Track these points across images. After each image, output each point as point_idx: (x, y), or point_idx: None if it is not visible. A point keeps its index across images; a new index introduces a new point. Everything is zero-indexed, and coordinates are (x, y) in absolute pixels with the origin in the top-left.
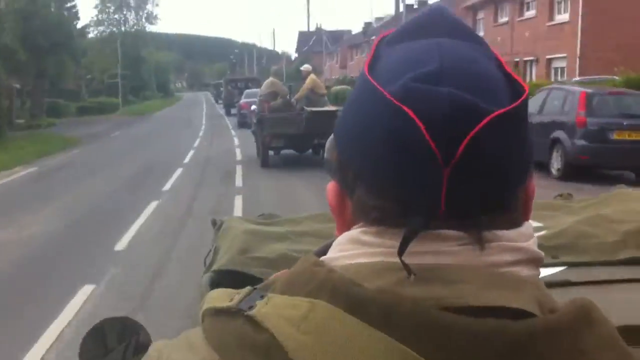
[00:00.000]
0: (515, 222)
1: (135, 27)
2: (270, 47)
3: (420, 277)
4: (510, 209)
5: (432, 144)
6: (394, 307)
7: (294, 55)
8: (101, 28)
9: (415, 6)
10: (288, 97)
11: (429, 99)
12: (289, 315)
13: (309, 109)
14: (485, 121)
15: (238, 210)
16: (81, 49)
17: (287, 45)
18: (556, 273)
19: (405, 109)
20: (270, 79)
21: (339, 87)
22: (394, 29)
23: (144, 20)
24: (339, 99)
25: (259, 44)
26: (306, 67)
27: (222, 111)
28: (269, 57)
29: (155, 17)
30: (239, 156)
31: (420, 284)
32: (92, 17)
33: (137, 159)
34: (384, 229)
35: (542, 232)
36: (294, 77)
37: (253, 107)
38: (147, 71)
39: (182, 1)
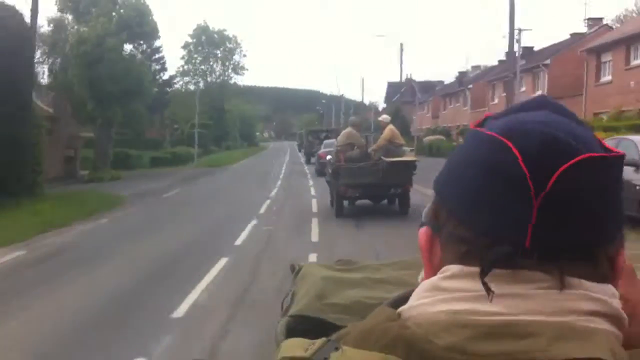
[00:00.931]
0: (602, 278)
1: (221, 77)
2: (358, 99)
3: (489, 332)
4: (596, 262)
5: (526, 173)
6: None
7: (382, 105)
8: (187, 78)
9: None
10: (365, 147)
11: (526, 132)
12: None
13: (386, 159)
14: (577, 159)
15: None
16: (163, 99)
17: (376, 96)
18: None
19: (505, 140)
20: (348, 129)
21: (432, 137)
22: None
23: (230, 70)
24: (433, 149)
25: (346, 95)
26: (384, 117)
27: (303, 159)
28: (356, 108)
29: (242, 68)
30: (315, 208)
31: (489, 340)
32: (178, 68)
33: (172, 235)
34: (460, 270)
35: None
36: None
37: (328, 157)
38: (231, 121)
39: (273, 56)
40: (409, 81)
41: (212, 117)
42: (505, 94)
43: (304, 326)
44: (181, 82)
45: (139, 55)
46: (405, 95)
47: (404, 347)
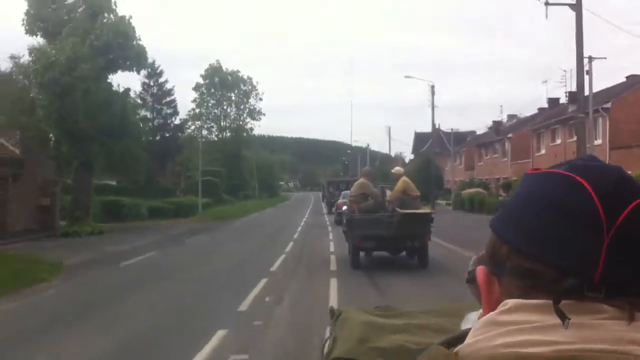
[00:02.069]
0: None
1: (236, 122)
2: (383, 151)
3: None
4: None
5: (599, 207)
6: None
7: (409, 157)
8: (199, 123)
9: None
10: (380, 198)
11: (597, 170)
12: None
13: (401, 210)
14: None
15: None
16: (175, 144)
17: (404, 146)
18: None
19: (578, 178)
20: (361, 179)
21: (472, 190)
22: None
23: (245, 115)
24: (475, 203)
25: (372, 147)
26: (397, 169)
27: (325, 210)
28: (382, 159)
29: (259, 113)
30: (333, 266)
31: None
32: (189, 111)
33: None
34: (521, 304)
35: None
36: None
37: (344, 207)
38: (249, 169)
39: (300, 108)
40: (437, 131)
41: (226, 165)
42: (575, 138)
43: None
44: (193, 127)
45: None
46: (433, 146)
47: None
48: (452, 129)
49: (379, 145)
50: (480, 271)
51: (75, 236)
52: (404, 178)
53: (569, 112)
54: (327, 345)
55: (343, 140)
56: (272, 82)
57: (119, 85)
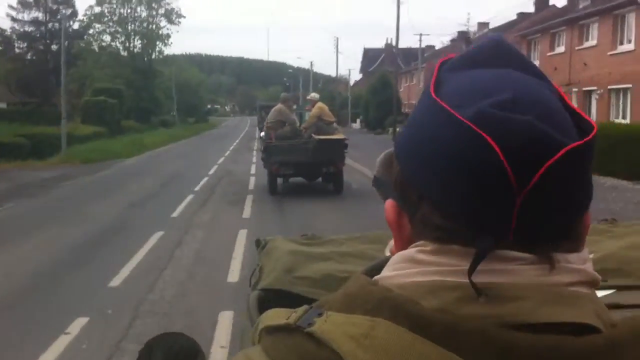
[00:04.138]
0: (575, 247)
1: (147, 24)
2: (327, 72)
3: (477, 295)
4: (573, 237)
5: (508, 170)
6: (456, 326)
7: (358, 75)
8: (99, 26)
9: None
10: (297, 125)
11: (507, 126)
12: (351, 332)
13: (316, 136)
14: (561, 153)
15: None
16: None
17: (351, 65)
18: (607, 295)
19: (484, 134)
20: (279, 105)
21: None
22: (454, 55)
23: (159, 17)
24: None
25: (317, 68)
26: (313, 95)
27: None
28: (325, 80)
29: (178, 15)
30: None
31: (477, 303)
32: (87, 9)
33: None
34: (441, 247)
35: (589, 256)
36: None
37: (262, 134)
38: (167, 91)
39: (239, 26)
40: (389, 47)
41: (134, 83)
42: (587, 44)
43: (275, 300)
44: (92, 31)
45: None
46: (384, 64)
47: (390, 309)
48: (420, 36)
49: (325, 65)
50: (390, 207)
51: None
52: (320, 104)
53: (580, 9)
54: (253, 275)
55: (286, 61)
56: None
57: None
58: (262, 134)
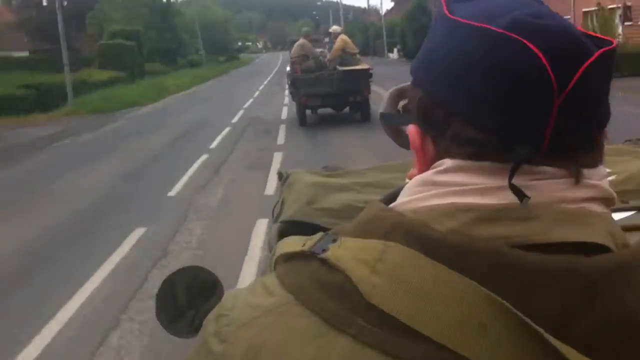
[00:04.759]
0: (595, 162)
1: None
2: (357, 4)
3: (490, 216)
4: (598, 149)
5: (550, 72)
6: (466, 248)
7: (389, 4)
8: None
9: None
10: (321, 58)
11: (545, 31)
12: (363, 257)
13: (341, 68)
14: (597, 54)
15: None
16: None
17: None
18: (627, 217)
19: (524, 40)
20: (301, 40)
21: None
22: None
23: None
24: None
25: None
26: (335, 28)
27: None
28: (355, 13)
29: None
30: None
31: (489, 224)
32: None
33: None
34: (460, 165)
35: (612, 177)
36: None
37: (288, 68)
38: (188, 27)
39: None
40: None
41: (153, 23)
42: None
43: (296, 232)
44: None
45: None
46: None
47: (403, 233)
48: None
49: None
50: (413, 132)
51: None
52: (342, 36)
53: None
54: (276, 208)
55: None
56: None
57: None
58: (288, 68)
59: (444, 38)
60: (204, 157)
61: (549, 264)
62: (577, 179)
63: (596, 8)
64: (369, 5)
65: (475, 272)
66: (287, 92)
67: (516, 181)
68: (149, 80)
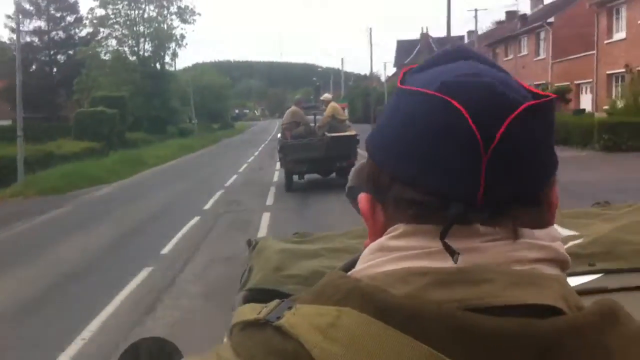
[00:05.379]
0: (542, 222)
1: (156, 24)
2: (357, 71)
3: (444, 280)
4: (540, 205)
5: (474, 128)
6: (419, 312)
7: (392, 69)
8: (105, 30)
9: None
10: (311, 125)
11: (470, 88)
12: (317, 323)
13: (329, 134)
14: (520, 109)
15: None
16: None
17: (385, 57)
18: (593, 280)
19: (448, 98)
20: (292, 108)
21: None
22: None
23: (170, 16)
24: None
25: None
26: (326, 96)
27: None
28: (356, 79)
29: (192, 12)
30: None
31: (444, 287)
32: (89, 12)
33: None
34: (412, 228)
35: (579, 240)
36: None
37: (278, 135)
38: (180, 94)
39: (265, 31)
40: (426, 36)
41: (143, 90)
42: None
43: (262, 299)
44: (100, 37)
45: None
46: (420, 55)
47: (358, 298)
48: (475, 12)
49: (355, 63)
50: (363, 199)
51: None
52: (332, 104)
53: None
54: (243, 276)
55: (314, 63)
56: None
57: None
58: (279, 135)
59: (393, 106)
60: (144, 272)
61: (503, 327)
62: (516, 237)
63: (624, 70)
64: (371, 71)
65: (429, 335)
66: (278, 164)
67: (465, 243)
68: (125, 152)
